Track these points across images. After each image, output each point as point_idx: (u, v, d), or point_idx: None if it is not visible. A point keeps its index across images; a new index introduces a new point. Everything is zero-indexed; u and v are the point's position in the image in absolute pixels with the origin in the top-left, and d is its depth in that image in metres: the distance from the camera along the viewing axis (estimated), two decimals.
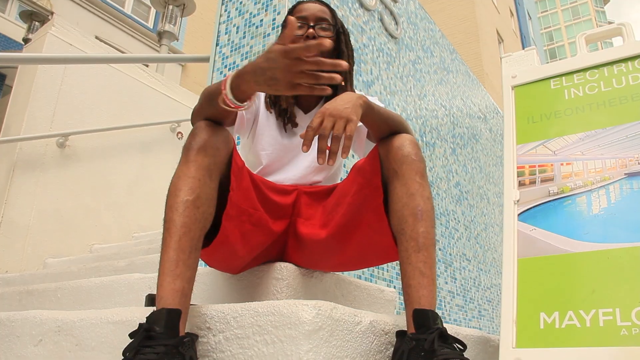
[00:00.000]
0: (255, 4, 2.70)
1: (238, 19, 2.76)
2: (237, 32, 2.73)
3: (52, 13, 9.53)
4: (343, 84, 1.61)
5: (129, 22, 11.64)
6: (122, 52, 10.26)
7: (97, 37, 9.28)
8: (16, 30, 9.71)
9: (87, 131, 4.11)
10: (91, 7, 10.85)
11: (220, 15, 2.88)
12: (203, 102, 1.28)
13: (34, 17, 8.87)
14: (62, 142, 3.96)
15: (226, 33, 2.78)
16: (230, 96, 1.15)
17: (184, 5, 6.40)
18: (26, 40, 8.25)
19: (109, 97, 4.38)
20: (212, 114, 1.25)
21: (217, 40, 2.81)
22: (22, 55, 3.57)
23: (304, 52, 1.03)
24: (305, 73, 1.05)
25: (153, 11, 12.34)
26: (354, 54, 1.73)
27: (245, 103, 1.18)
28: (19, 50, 9.02)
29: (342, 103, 1.21)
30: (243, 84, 1.13)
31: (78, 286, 1.98)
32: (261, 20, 2.62)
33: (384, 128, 1.35)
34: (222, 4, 2.91)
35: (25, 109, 3.77)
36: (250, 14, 2.70)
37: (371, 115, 1.31)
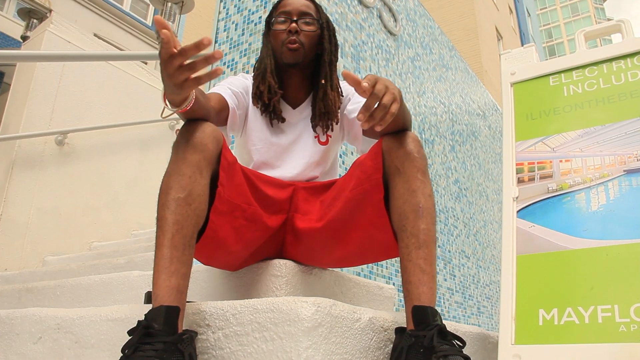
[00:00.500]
0: (253, 1, 2.70)
1: (237, 16, 2.75)
2: (235, 30, 2.72)
3: (50, 10, 9.51)
4: (324, 81, 1.60)
5: (127, 19, 11.63)
6: (121, 50, 10.24)
7: (95, 35, 9.27)
8: (14, 27, 9.70)
9: (85, 129, 4.11)
10: (90, 5, 10.84)
11: (219, 13, 2.88)
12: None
13: (32, 15, 8.83)
14: (60, 140, 3.96)
15: (225, 30, 2.78)
16: (170, 107, 1.15)
17: (183, 2, 6.38)
18: (24, 38, 8.22)
19: (107, 94, 4.37)
20: (184, 117, 1.25)
21: (216, 37, 2.81)
22: (20, 53, 3.57)
23: (164, 48, 0.99)
24: (182, 68, 1.02)
25: (151, 8, 12.32)
26: (353, 52, 1.73)
27: (184, 104, 1.16)
28: (17, 47, 9.00)
29: (389, 83, 1.15)
30: (168, 98, 1.13)
31: (77, 284, 1.98)
32: (260, 18, 2.62)
33: (400, 124, 1.34)
34: (221, 1, 2.91)
35: (24, 107, 3.77)
36: (249, 11, 2.69)
37: (400, 109, 1.27)
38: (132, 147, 4.55)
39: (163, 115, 1.20)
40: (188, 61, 1.02)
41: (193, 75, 1.04)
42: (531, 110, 1.67)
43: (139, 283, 1.80)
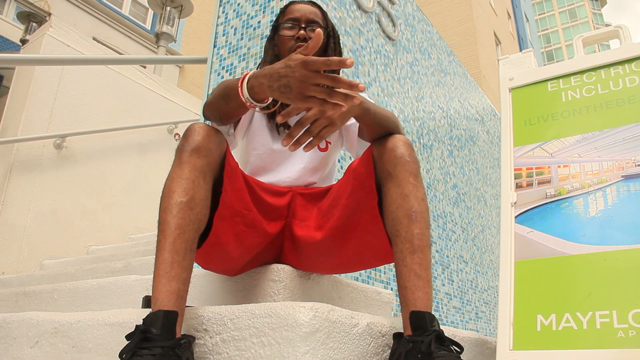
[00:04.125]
0: (252, 5, 2.70)
1: (235, 21, 2.76)
2: (234, 34, 2.73)
3: (49, 14, 9.52)
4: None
5: (126, 23, 11.63)
6: (120, 54, 10.25)
7: (94, 38, 9.28)
8: (14, 31, 9.70)
9: (84, 132, 4.11)
10: (89, 8, 10.85)
11: (218, 17, 2.88)
12: (218, 96, 1.27)
13: (32, 18, 8.86)
14: (59, 144, 3.95)
15: (224, 34, 2.78)
16: (246, 95, 1.15)
17: (182, 6, 6.40)
18: (24, 41, 8.24)
19: (106, 98, 4.37)
20: (225, 109, 1.25)
21: (215, 41, 2.81)
22: (19, 56, 3.57)
23: (324, 65, 1.01)
24: (320, 87, 1.04)
25: (150, 12, 12.33)
26: (352, 56, 1.73)
27: (261, 103, 1.17)
28: (16, 51, 9.00)
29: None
30: (257, 86, 1.13)
31: (75, 288, 1.98)
32: (259, 22, 2.62)
33: (379, 130, 1.35)
34: (220, 5, 2.91)
35: (23, 110, 3.77)
36: (248, 15, 2.70)
37: (367, 118, 1.31)
38: (130, 151, 4.55)
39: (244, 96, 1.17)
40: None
41: (324, 95, 1.05)
42: (529, 115, 1.68)
43: (136, 287, 1.79)
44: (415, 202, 1.23)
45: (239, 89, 1.16)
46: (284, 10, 1.63)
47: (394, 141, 1.30)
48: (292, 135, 1.14)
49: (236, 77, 1.19)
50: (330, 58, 1.01)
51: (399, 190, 1.24)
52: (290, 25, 1.57)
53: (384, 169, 1.28)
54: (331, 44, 1.62)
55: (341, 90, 1.05)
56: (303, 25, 1.55)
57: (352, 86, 1.03)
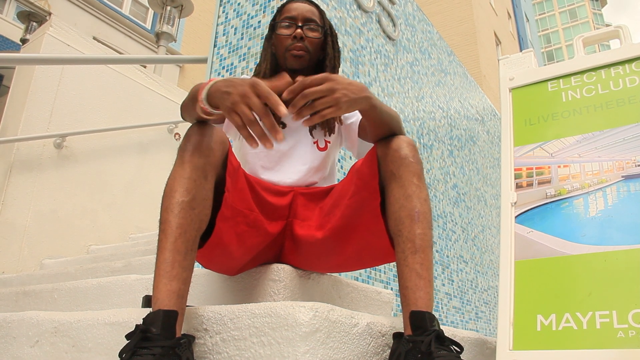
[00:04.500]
0: (252, 5, 2.70)
1: (236, 21, 2.76)
2: (234, 34, 2.73)
3: (49, 14, 9.52)
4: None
5: (126, 22, 11.63)
6: (120, 53, 10.25)
7: (94, 38, 9.27)
8: (14, 30, 9.70)
9: (84, 132, 4.11)
10: (89, 8, 10.84)
11: (218, 17, 2.88)
12: (188, 98, 1.26)
13: (32, 18, 8.86)
14: (59, 143, 3.96)
15: (224, 34, 2.78)
16: (204, 95, 1.15)
17: (182, 6, 6.40)
18: (24, 41, 8.23)
19: (106, 98, 4.37)
20: (192, 111, 1.24)
21: (215, 41, 2.81)
22: (19, 56, 3.57)
23: (264, 97, 1.02)
24: (249, 111, 1.04)
25: (151, 12, 12.33)
26: (352, 56, 1.73)
27: (214, 109, 1.17)
28: (16, 50, 9.00)
29: (350, 88, 1.17)
30: (214, 91, 1.12)
31: (75, 287, 1.98)
32: (259, 22, 2.62)
33: (383, 128, 1.34)
34: (220, 5, 2.91)
35: (23, 110, 3.77)
36: (248, 15, 2.70)
37: (374, 114, 1.29)
38: (130, 151, 4.55)
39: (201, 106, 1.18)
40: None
41: (247, 118, 1.05)
42: (529, 115, 1.67)
43: (136, 287, 1.79)
44: (418, 203, 1.23)
45: (201, 90, 1.16)
46: (281, 9, 1.62)
47: (398, 142, 1.30)
48: (295, 105, 1.12)
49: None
50: (275, 97, 1.02)
51: (402, 191, 1.24)
52: (287, 23, 1.57)
53: (387, 170, 1.28)
54: (329, 42, 1.61)
55: (264, 125, 1.05)
56: (300, 24, 1.55)
57: (272, 128, 1.03)
